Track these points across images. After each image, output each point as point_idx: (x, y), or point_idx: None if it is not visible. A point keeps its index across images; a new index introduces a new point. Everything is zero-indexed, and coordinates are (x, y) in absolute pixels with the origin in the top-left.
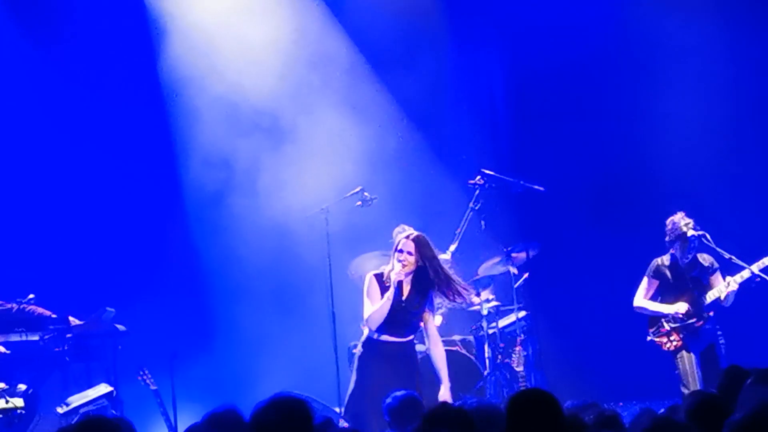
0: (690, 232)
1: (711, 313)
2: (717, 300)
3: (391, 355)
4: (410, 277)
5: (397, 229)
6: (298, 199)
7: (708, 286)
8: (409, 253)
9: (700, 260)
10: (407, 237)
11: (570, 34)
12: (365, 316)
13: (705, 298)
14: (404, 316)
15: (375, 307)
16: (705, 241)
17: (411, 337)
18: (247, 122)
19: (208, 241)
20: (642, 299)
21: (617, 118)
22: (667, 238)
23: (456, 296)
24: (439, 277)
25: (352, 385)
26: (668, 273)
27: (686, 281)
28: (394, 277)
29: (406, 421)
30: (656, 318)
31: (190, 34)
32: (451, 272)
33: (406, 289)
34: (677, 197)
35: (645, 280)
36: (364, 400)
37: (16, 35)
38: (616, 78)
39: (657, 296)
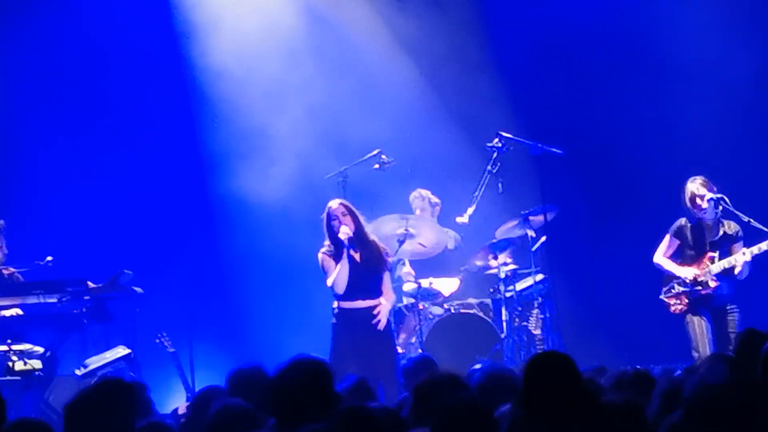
0: (702, 191)
1: (717, 283)
2: (732, 270)
3: (365, 320)
4: (354, 239)
5: (413, 194)
6: (315, 163)
7: (728, 254)
8: (343, 213)
9: (726, 227)
10: (333, 204)
11: None
12: (329, 283)
13: (715, 266)
14: (367, 275)
15: (336, 271)
16: (723, 204)
17: (378, 301)
18: (262, 87)
19: (226, 205)
20: (661, 256)
21: (638, 81)
22: (684, 204)
23: (381, 259)
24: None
25: (330, 357)
26: (689, 234)
27: (704, 245)
28: (343, 236)
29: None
30: (670, 278)
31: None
32: (372, 237)
33: (357, 253)
34: (698, 161)
35: (667, 237)
36: (347, 369)
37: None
38: (639, 40)
39: (677, 256)
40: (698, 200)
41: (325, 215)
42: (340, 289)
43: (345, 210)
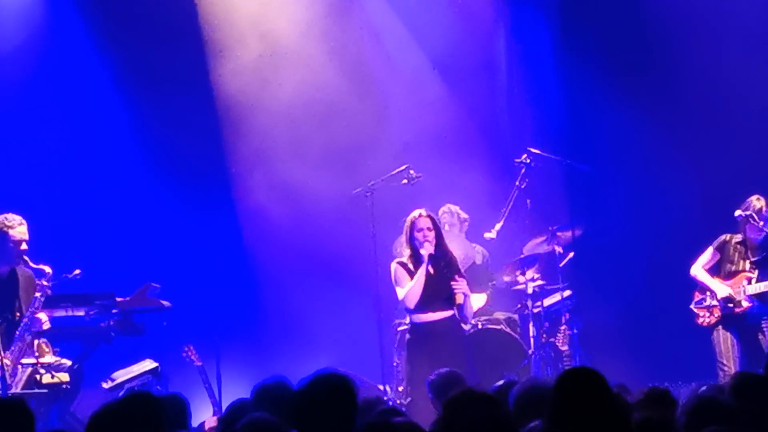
0: (764, 212)
1: (750, 304)
2: (766, 293)
3: (439, 333)
4: (435, 256)
5: (442, 209)
6: (344, 178)
7: (766, 278)
8: (429, 228)
9: None
10: (420, 215)
11: (627, 4)
12: (400, 297)
13: (751, 287)
14: (439, 289)
15: (409, 285)
16: (752, 221)
17: (452, 311)
18: (291, 101)
19: (254, 219)
20: (699, 268)
21: (669, 96)
22: (741, 217)
23: (456, 272)
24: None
25: (407, 373)
26: (731, 250)
27: (745, 264)
28: (425, 252)
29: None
30: (704, 290)
31: None
32: (451, 251)
33: (433, 266)
34: (726, 180)
35: (709, 250)
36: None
37: None
38: (673, 54)
39: (715, 270)
40: (756, 218)
41: (408, 225)
42: (411, 303)
43: (430, 224)
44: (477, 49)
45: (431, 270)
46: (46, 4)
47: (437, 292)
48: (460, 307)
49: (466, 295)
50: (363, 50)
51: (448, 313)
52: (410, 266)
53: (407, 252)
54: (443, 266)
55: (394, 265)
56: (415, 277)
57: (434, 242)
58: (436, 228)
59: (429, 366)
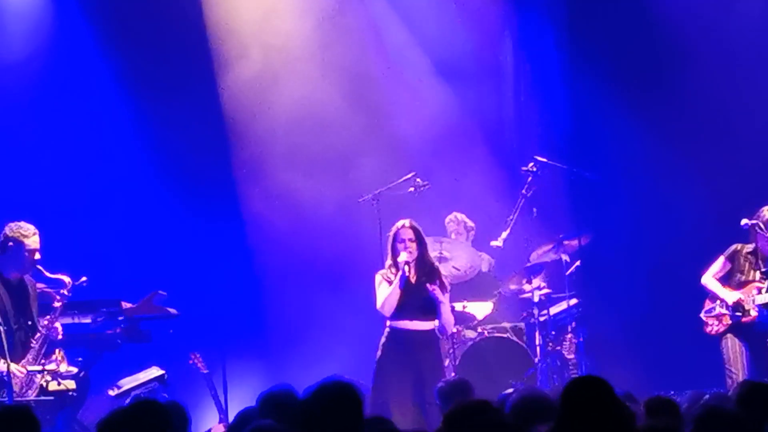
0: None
1: (758, 314)
2: None
3: (414, 344)
4: (414, 261)
5: (449, 217)
6: (350, 186)
7: None
8: (410, 239)
9: None
10: (403, 226)
11: (635, 12)
12: (378, 304)
13: (760, 297)
14: (418, 298)
15: (385, 292)
16: (758, 230)
17: (432, 323)
18: (296, 110)
19: (260, 227)
20: (709, 277)
21: (677, 104)
22: (750, 226)
23: (441, 287)
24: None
25: (375, 374)
26: (741, 260)
27: (756, 273)
28: (401, 260)
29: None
30: (714, 299)
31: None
32: (435, 262)
33: (413, 273)
34: (732, 189)
35: (720, 260)
36: (389, 390)
37: None
38: (680, 62)
39: (726, 279)
40: (763, 227)
41: (392, 235)
42: (387, 311)
43: (412, 235)
44: (483, 57)
45: (411, 279)
46: (53, 12)
47: (414, 301)
48: (438, 317)
49: (441, 302)
50: (366, 56)
51: (426, 326)
52: (390, 275)
53: (389, 262)
54: (423, 276)
55: (377, 275)
56: (393, 285)
57: (415, 253)
58: (419, 239)
59: (394, 373)
